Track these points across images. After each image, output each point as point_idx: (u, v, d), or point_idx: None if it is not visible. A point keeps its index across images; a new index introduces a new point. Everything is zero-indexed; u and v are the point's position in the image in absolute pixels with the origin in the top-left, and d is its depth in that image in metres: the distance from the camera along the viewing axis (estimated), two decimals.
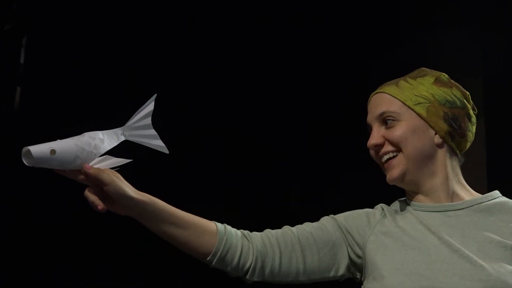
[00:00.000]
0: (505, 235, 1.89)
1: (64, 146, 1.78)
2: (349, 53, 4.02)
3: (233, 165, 3.98)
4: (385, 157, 1.98)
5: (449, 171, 1.99)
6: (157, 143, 1.88)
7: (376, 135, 1.98)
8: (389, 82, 2.05)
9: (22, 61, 4.10)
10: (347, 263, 1.99)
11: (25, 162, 1.76)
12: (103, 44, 4.11)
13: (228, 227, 1.94)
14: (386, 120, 1.98)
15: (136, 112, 1.88)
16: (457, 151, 2.01)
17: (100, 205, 1.79)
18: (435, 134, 1.97)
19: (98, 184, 1.80)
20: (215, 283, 3.30)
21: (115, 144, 1.86)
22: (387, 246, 1.93)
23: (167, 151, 1.88)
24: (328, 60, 4.07)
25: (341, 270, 1.99)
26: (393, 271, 1.87)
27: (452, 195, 1.98)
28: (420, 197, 2.00)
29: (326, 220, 2.02)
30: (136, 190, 1.83)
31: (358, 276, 2.00)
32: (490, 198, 1.99)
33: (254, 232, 1.97)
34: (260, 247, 1.92)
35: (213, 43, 4.08)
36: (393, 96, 1.99)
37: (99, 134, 1.85)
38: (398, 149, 1.96)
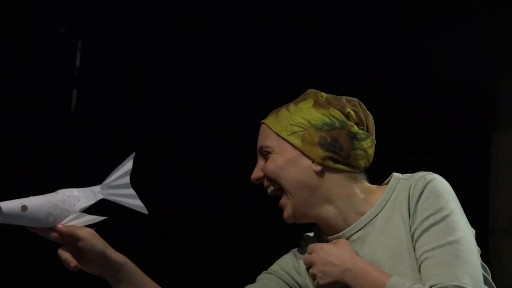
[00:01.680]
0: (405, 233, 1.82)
1: (36, 202, 1.75)
2: (351, 53, 3.90)
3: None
4: (269, 191, 1.92)
5: (347, 193, 1.89)
6: (136, 203, 1.83)
7: (256, 168, 1.93)
8: (274, 110, 1.97)
9: (77, 64, 4.12)
10: None
11: None
12: (159, 45, 4.10)
13: None
14: (264, 153, 1.92)
15: (114, 170, 1.84)
16: (351, 170, 1.90)
17: (73, 262, 1.76)
18: (312, 162, 1.88)
19: (72, 241, 1.76)
20: None
21: (92, 202, 1.82)
22: None
23: (146, 212, 1.83)
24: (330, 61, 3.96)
25: None
26: None
27: (347, 217, 1.89)
28: (326, 227, 1.93)
29: (265, 277, 1.97)
30: (112, 249, 1.79)
31: None
32: (389, 194, 1.88)
33: None
34: None
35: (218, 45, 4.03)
36: (270, 128, 1.92)
37: (74, 191, 1.82)
38: (276, 183, 1.89)
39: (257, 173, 1.92)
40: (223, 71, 4.08)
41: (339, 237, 1.89)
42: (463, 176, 3.67)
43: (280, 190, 1.90)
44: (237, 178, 3.84)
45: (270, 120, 1.94)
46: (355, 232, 1.88)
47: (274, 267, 1.98)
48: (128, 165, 1.83)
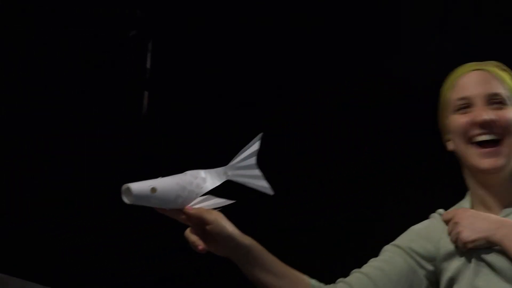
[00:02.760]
0: None
1: (165, 184, 1.75)
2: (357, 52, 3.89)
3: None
4: (485, 138, 1.87)
5: None
6: (261, 184, 1.82)
7: (483, 111, 1.87)
8: (482, 63, 1.95)
9: (148, 66, 4.15)
10: (425, 286, 1.91)
11: (125, 200, 1.74)
12: (229, 46, 4.11)
13: (319, 283, 1.87)
14: (492, 102, 1.89)
15: (240, 152, 1.83)
16: None
17: (200, 245, 1.76)
18: None
19: (200, 224, 1.76)
20: None
21: (218, 183, 1.81)
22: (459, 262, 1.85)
23: (271, 192, 1.82)
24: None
25: None
26: None
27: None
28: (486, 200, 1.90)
29: (390, 251, 1.93)
30: (240, 232, 1.79)
31: None
32: None
33: (331, 286, 1.90)
34: None
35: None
36: (501, 80, 1.92)
37: (201, 173, 1.81)
38: (502, 134, 1.86)
39: (492, 116, 1.87)
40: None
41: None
42: None
43: (497, 141, 1.88)
44: None
45: (497, 71, 1.94)
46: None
47: (401, 240, 1.95)
48: (255, 145, 1.83)
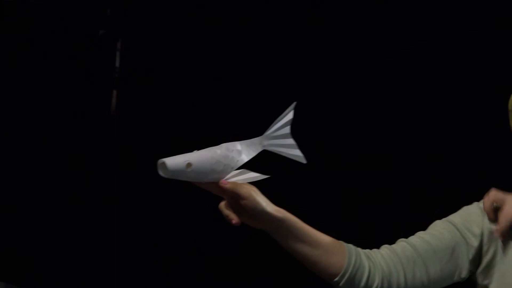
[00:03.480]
0: None
1: (200, 159, 1.77)
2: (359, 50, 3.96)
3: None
4: None
5: None
6: (295, 153, 1.84)
7: None
8: None
9: (117, 64, 4.14)
10: (468, 265, 1.95)
11: (161, 174, 1.75)
12: (197, 45, 4.13)
13: (356, 248, 1.90)
14: None
15: (275, 121, 1.84)
16: None
17: (234, 219, 1.78)
18: None
19: (234, 198, 1.79)
20: None
21: (253, 155, 1.83)
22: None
23: (305, 161, 1.84)
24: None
25: (464, 273, 1.95)
26: None
27: None
28: None
29: (440, 226, 1.97)
30: (273, 205, 1.80)
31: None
32: None
33: (374, 250, 1.93)
34: (385, 268, 1.89)
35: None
36: None
37: (237, 145, 1.83)
38: None
39: None
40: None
41: None
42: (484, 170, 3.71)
43: None
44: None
45: None
46: None
47: (454, 217, 1.98)
48: (289, 115, 1.84)
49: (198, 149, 1.80)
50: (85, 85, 4.10)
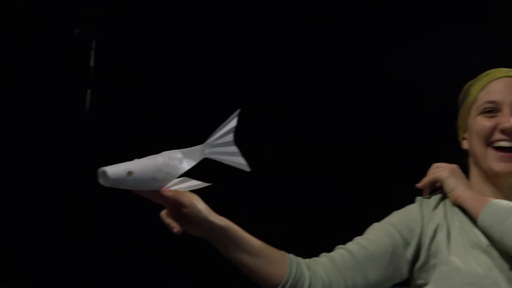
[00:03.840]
0: None
1: (141, 167, 1.75)
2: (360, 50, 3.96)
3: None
4: (505, 144, 1.94)
5: None
6: (238, 160, 1.82)
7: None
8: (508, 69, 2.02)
9: (92, 64, 4.12)
10: (408, 266, 1.95)
11: (101, 183, 1.74)
12: (174, 45, 4.12)
13: (297, 258, 1.89)
14: None
15: (218, 129, 1.82)
16: None
17: (176, 227, 1.77)
18: None
19: (176, 206, 1.78)
20: None
21: (194, 163, 1.81)
22: (447, 239, 1.91)
23: (248, 169, 1.82)
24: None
25: (404, 274, 1.96)
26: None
27: None
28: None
29: (377, 229, 1.97)
30: (215, 214, 1.80)
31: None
32: None
33: (315, 259, 1.92)
34: (325, 278, 1.88)
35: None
36: None
37: (178, 153, 1.81)
38: None
39: None
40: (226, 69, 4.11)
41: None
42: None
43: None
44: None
45: None
46: None
47: (390, 218, 1.98)
48: (232, 122, 1.82)
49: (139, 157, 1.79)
50: (60, 84, 4.08)
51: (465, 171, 2.04)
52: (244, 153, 1.82)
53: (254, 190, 3.75)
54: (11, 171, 4.05)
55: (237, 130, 1.81)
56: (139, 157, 1.79)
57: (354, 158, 3.84)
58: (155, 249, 4.08)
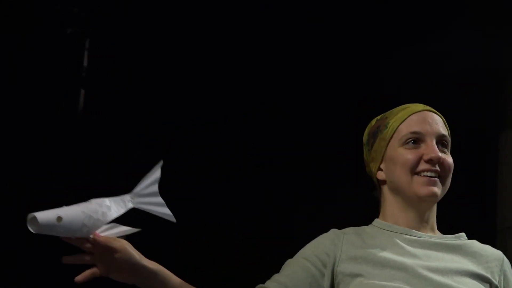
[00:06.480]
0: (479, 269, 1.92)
1: (71, 213, 1.75)
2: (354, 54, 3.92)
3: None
4: (430, 174, 1.93)
5: None
6: (164, 211, 1.83)
7: (437, 150, 1.95)
8: (429, 107, 2.03)
9: (85, 63, 4.14)
10: None
11: (30, 229, 1.74)
12: (166, 45, 4.12)
13: None
14: (441, 143, 1.96)
15: (143, 179, 1.83)
16: None
17: (102, 273, 1.78)
18: None
19: (107, 251, 1.78)
20: None
21: (123, 211, 1.81)
22: (362, 261, 1.89)
23: (174, 220, 1.83)
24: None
25: None
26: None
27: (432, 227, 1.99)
28: (408, 222, 1.97)
29: (291, 265, 1.94)
30: (146, 259, 1.80)
31: None
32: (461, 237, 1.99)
33: None
34: None
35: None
36: (447, 127, 2.00)
37: (106, 201, 1.82)
38: (443, 177, 1.94)
39: (440, 156, 1.95)
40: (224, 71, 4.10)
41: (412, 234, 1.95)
42: (470, 175, 3.70)
43: (438, 178, 1.95)
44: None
45: (443, 118, 2.02)
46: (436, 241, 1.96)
47: (304, 251, 1.95)
48: (156, 173, 1.82)
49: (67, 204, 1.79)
50: (53, 84, 4.10)
51: (374, 202, 2.03)
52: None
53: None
54: (10, 171, 4.09)
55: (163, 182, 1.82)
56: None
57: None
58: (155, 249, 4.10)
